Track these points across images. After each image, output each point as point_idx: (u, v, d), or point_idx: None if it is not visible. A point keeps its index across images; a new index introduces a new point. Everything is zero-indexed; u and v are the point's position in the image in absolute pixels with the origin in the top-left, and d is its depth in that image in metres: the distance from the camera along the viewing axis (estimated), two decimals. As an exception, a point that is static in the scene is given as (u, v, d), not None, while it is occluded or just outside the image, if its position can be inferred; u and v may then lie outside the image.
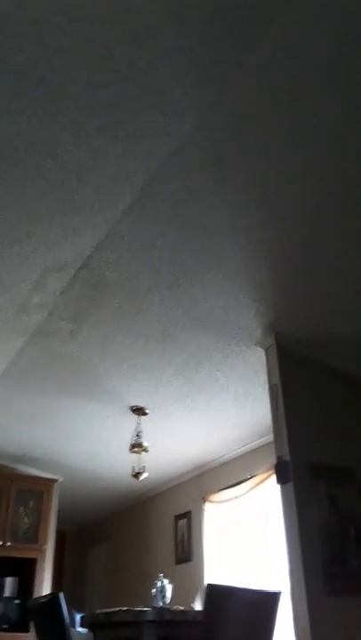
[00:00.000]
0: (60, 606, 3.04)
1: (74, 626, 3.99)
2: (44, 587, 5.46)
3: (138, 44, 1.93)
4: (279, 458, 3.29)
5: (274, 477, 3.35)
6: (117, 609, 3.28)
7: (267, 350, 3.69)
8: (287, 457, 3.25)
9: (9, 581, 5.38)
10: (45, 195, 2.56)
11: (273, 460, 3.38)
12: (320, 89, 2.09)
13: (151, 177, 2.46)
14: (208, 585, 2.88)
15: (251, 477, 5.12)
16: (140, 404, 4.57)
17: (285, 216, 2.70)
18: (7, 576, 5.38)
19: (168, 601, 3.73)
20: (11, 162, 2.38)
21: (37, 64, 1.99)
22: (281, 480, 3.22)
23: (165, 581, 3.78)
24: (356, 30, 1.90)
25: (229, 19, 1.86)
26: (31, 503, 5.68)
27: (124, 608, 3.22)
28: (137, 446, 4.62)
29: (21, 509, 5.61)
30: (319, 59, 1.99)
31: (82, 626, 3.92)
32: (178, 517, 6.15)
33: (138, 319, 3.50)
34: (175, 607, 3.50)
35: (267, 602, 2.94)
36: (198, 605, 4.06)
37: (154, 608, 3.28)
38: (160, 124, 2.22)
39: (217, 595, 2.79)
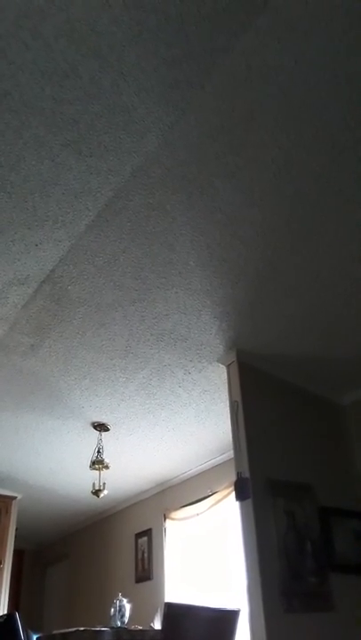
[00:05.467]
0: (16, 627, 2.98)
1: (30, 648, 3.88)
2: (1, 606, 5.32)
3: (102, 62, 1.96)
4: (239, 474, 3.31)
5: (233, 494, 3.37)
6: (74, 629, 3.22)
7: (228, 367, 3.72)
8: (247, 474, 3.27)
9: None
10: (8, 208, 2.56)
11: (233, 477, 3.40)
12: (278, 114, 2.16)
13: (115, 193, 2.49)
14: (166, 604, 2.86)
15: (211, 494, 5.12)
16: (102, 419, 4.54)
17: (246, 236, 2.75)
18: None
19: (127, 620, 3.69)
20: (-27, 174, 2.37)
21: (1, 78, 2.00)
22: (240, 497, 3.23)
23: (124, 601, 3.74)
24: (314, 56, 1.97)
25: (192, 42, 1.91)
26: (-12, 522, 5.56)
27: (82, 628, 3.17)
28: (98, 463, 4.57)
29: (-22, 528, 5.48)
30: (277, 84, 2.05)
31: (38, 647, 3.83)
32: (138, 535, 6.08)
33: (100, 334, 3.49)
34: (134, 627, 3.46)
35: (225, 619, 2.94)
36: (158, 624, 4.02)
37: (112, 628, 3.23)
38: (123, 141, 2.25)
39: (175, 613, 2.78)
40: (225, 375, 3.75)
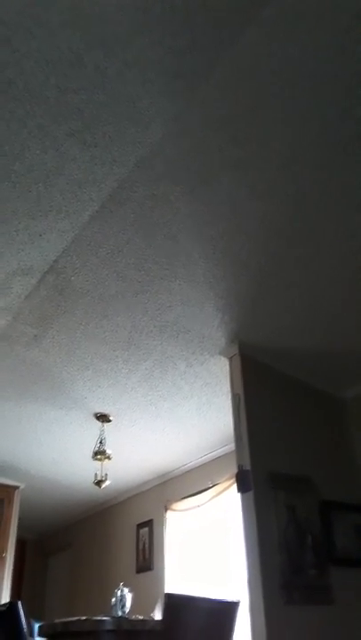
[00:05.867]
0: (18, 615, 3.00)
1: (32, 635, 3.92)
2: (3, 595, 5.37)
3: (107, 52, 1.95)
4: (240, 467, 3.31)
5: (235, 486, 3.37)
6: (76, 618, 3.24)
7: (230, 359, 3.72)
8: (248, 466, 3.28)
9: (-34, 590, 5.28)
10: (12, 198, 2.55)
11: (234, 469, 3.40)
12: (282, 106, 2.14)
13: (119, 184, 2.48)
14: (166, 594, 2.87)
15: (213, 486, 5.14)
16: (104, 410, 4.55)
17: (250, 229, 2.74)
18: None
19: (127, 610, 3.70)
20: (-23, 163, 2.36)
21: (6, 66, 1.98)
22: (241, 489, 3.24)
23: (125, 590, 3.76)
24: (319, 48, 1.95)
25: (197, 32, 1.89)
26: (-9, 510, 5.60)
27: (83, 617, 3.19)
28: (100, 454, 4.58)
29: (-20, 517, 5.52)
30: (282, 77, 2.03)
31: (40, 635, 3.86)
32: (139, 526, 6.11)
33: (103, 325, 3.49)
34: (134, 617, 3.48)
35: (225, 611, 2.95)
36: (158, 615, 4.04)
37: (113, 617, 3.25)
38: (128, 132, 2.24)
39: (176, 604, 2.79)
40: (227, 368, 3.75)
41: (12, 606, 3.07)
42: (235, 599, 3.03)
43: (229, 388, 3.69)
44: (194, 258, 2.93)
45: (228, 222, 2.69)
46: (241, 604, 3.01)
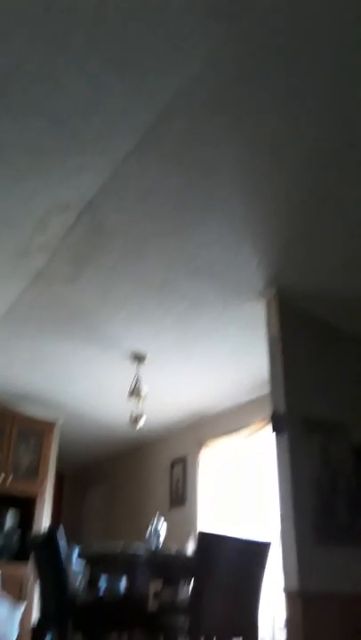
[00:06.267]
0: (57, 542, 3.13)
1: (72, 557, 4.11)
2: (44, 521, 5.63)
3: (146, -28, 1.81)
4: (275, 410, 3.31)
5: (269, 429, 3.39)
6: (113, 549, 3.38)
7: (267, 303, 3.65)
8: (283, 410, 3.27)
9: (10, 514, 5.55)
10: (49, 132, 2.48)
11: (269, 412, 3.40)
12: (337, 33, 1.97)
13: (156, 117, 2.37)
14: (200, 533, 2.94)
15: (247, 427, 5.18)
16: (140, 351, 4.58)
17: (294, 165, 2.61)
18: (9, 509, 5.54)
19: (161, 542, 3.84)
20: (15, 93, 2.28)
21: (41, -10, 1.88)
22: (276, 431, 3.25)
23: (160, 522, 3.88)
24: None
25: None
26: (32, 442, 5.80)
27: (119, 549, 3.32)
28: (135, 393, 4.64)
29: (22, 447, 5.73)
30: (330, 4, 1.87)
31: (79, 557, 4.06)
32: (174, 462, 6.27)
33: (139, 266, 3.45)
34: (167, 549, 3.61)
35: (256, 552, 3.01)
36: (190, 548, 4.18)
37: (147, 551, 3.37)
38: (168, 60, 2.12)
39: (208, 542, 2.86)
40: (263, 312, 3.69)
41: (52, 533, 3.20)
42: (266, 540, 3.09)
43: (265, 333, 3.64)
44: (232, 197, 2.82)
45: (272, 158, 2.57)
46: (272, 546, 3.07)
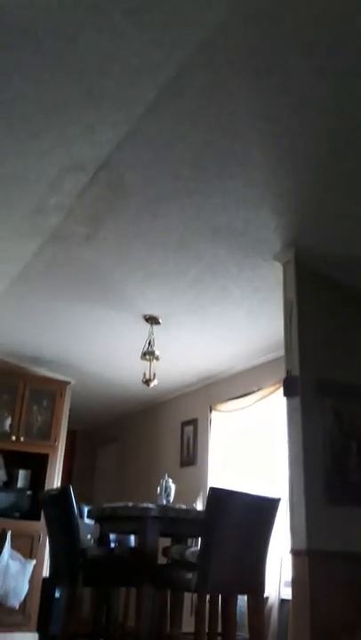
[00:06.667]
0: (69, 498, 3.19)
1: (82, 517, 4.21)
2: (55, 481, 5.75)
3: None
4: (288, 372, 3.32)
5: (281, 391, 3.40)
6: (123, 504, 3.45)
7: (285, 265, 3.62)
8: (296, 372, 3.28)
9: (22, 474, 5.67)
10: (65, 86, 2.43)
11: (281, 375, 3.41)
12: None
13: (177, 70, 2.30)
14: (211, 488, 3.00)
15: (258, 390, 5.21)
16: (154, 312, 4.58)
17: (317, 123, 2.55)
18: (20, 469, 5.66)
19: (172, 500, 3.91)
20: (30, 47, 2.23)
21: None
22: (288, 393, 3.26)
23: (170, 481, 3.95)
24: None
25: None
26: (45, 402, 5.88)
27: (130, 503, 3.38)
28: (149, 354, 4.67)
29: (35, 408, 5.82)
30: None
31: (89, 517, 4.16)
32: (184, 424, 6.34)
33: (155, 226, 3.42)
34: (178, 505, 3.68)
35: (266, 507, 3.07)
36: (200, 506, 4.26)
37: (158, 505, 3.43)
38: (189, 10, 2.04)
39: (218, 497, 2.91)
40: (280, 274, 3.66)
41: (64, 489, 3.27)
42: (276, 496, 3.14)
43: (281, 296, 3.62)
44: (253, 155, 2.77)
45: (294, 115, 2.50)
46: (281, 502, 3.12)
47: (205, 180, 2.98)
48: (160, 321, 4.67)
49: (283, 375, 3.38)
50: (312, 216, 3.24)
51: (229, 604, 3.17)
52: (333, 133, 2.60)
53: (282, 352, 3.52)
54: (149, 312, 4.58)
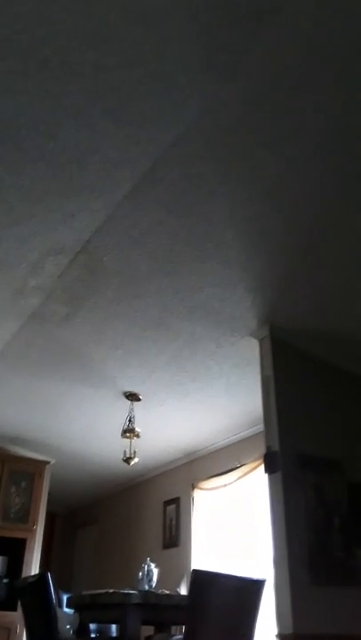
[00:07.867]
0: (47, 586, 3.08)
1: (61, 606, 4.02)
2: (33, 567, 5.51)
3: (144, 27, 1.92)
4: (268, 448, 3.32)
5: (262, 467, 3.38)
6: (103, 591, 3.32)
7: (261, 341, 3.70)
8: (276, 447, 3.28)
9: (-2, 561, 5.44)
10: (45, 177, 2.56)
11: (262, 450, 3.41)
12: (322, 81, 2.09)
13: (153, 163, 2.46)
14: (193, 571, 2.92)
15: (240, 466, 5.16)
16: (134, 389, 4.59)
17: (286, 207, 2.70)
18: (-4, 556, 5.44)
19: (154, 585, 3.77)
20: (12, 142, 2.37)
21: (42, 44, 1.98)
22: (269, 469, 3.25)
23: (152, 565, 3.82)
24: (363, 23, 1.89)
25: (235, 6, 1.85)
26: (23, 484, 5.73)
27: (110, 590, 3.26)
28: (129, 431, 4.64)
29: (13, 489, 5.66)
30: (324, 51, 1.98)
31: (68, 606, 3.97)
32: (167, 503, 6.19)
33: (134, 305, 3.51)
34: (161, 591, 3.55)
35: (251, 589, 2.98)
36: (184, 590, 4.11)
37: (140, 591, 3.31)
38: (164, 110, 2.22)
39: (202, 580, 2.83)
40: (257, 349, 3.73)
41: (42, 577, 3.16)
42: (261, 578, 3.06)
43: (259, 370, 3.68)
44: (227, 239, 2.91)
45: (265, 201, 2.66)
46: (267, 583, 3.04)
47: (182, 262, 3.10)
48: (140, 397, 4.67)
49: (264, 450, 3.38)
50: (286, 293, 3.36)
51: None
52: (302, 214, 2.76)
53: (262, 426, 3.53)
54: (129, 389, 4.59)
